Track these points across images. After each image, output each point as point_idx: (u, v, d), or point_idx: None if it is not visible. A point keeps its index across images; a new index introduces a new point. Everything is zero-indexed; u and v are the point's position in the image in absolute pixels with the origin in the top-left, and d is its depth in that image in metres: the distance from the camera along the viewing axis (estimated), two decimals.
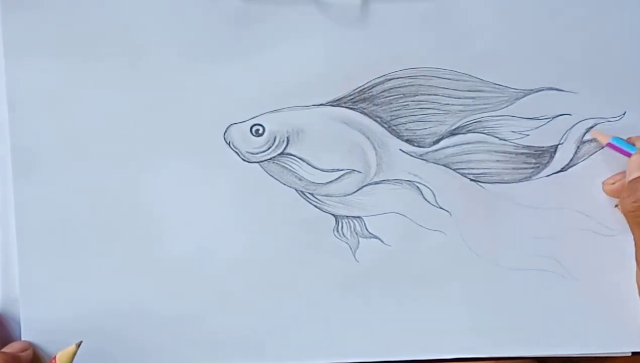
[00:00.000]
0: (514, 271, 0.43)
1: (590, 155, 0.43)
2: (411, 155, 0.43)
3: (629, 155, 0.40)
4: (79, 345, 0.39)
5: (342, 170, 0.43)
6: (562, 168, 0.43)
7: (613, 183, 0.42)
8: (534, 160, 0.43)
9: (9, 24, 0.42)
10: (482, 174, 0.43)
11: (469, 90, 0.43)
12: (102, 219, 0.43)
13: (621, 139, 0.41)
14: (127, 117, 0.43)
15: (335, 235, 0.43)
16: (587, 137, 0.43)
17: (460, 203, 0.43)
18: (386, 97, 0.43)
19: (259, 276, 0.43)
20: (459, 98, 0.43)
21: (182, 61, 0.43)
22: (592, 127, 0.43)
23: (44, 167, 0.43)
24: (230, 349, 0.43)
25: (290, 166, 0.43)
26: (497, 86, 0.43)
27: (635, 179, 0.39)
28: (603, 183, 0.42)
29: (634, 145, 0.41)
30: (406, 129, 0.43)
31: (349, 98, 0.43)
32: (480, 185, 0.43)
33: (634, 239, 0.40)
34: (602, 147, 0.43)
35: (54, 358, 0.38)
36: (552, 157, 0.43)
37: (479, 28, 0.43)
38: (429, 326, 0.43)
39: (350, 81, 0.43)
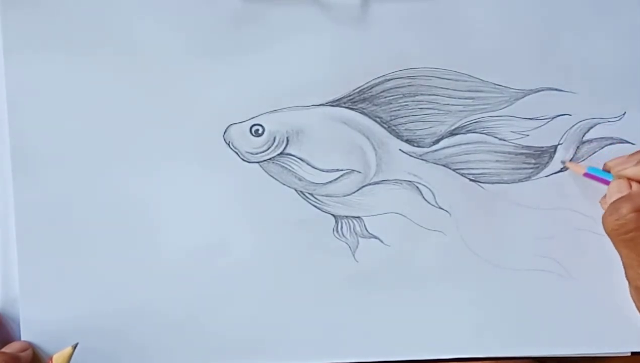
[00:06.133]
0: (513, 271, 0.43)
1: (590, 155, 0.43)
2: (411, 155, 0.43)
3: (607, 183, 0.41)
4: (75, 346, 0.39)
5: (341, 170, 0.43)
6: (562, 168, 0.43)
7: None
8: (533, 161, 0.43)
9: (8, 23, 0.42)
10: (481, 174, 0.43)
11: (469, 91, 0.43)
12: (102, 219, 0.43)
13: (597, 168, 0.42)
14: (127, 117, 0.43)
15: (334, 235, 0.43)
16: (587, 137, 0.43)
17: (460, 203, 0.43)
18: (386, 97, 0.43)
19: (258, 276, 0.43)
20: (458, 98, 0.43)
21: (182, 61, 0.43)
22: (592, 128, 0.43)
23: (44, 167, 0.43)
24: (229, 349, 0.43)
25: (290, 166, 0.43)
26: (496, 86, 0.43)
27: (616, 199, 0.39)
28: (600, 202, 0.42)
29: (609, 171, 0.41)
30: (406, 129, 0.43)
31: (348, 98, 0.43)
32: (480, 186, 0.43)
33: (621, 258, 0.39)
34: (602, 147, 0.43)
35: (50, 359, 0.38)
36: (551, 157, 0.43)
37: (479, 28, 0.43)
38: (429, 326, 0.43)
39: (350, 81, 0.43)
